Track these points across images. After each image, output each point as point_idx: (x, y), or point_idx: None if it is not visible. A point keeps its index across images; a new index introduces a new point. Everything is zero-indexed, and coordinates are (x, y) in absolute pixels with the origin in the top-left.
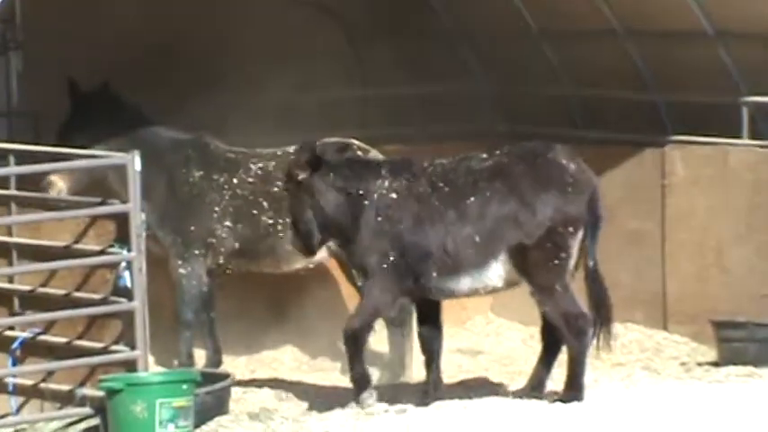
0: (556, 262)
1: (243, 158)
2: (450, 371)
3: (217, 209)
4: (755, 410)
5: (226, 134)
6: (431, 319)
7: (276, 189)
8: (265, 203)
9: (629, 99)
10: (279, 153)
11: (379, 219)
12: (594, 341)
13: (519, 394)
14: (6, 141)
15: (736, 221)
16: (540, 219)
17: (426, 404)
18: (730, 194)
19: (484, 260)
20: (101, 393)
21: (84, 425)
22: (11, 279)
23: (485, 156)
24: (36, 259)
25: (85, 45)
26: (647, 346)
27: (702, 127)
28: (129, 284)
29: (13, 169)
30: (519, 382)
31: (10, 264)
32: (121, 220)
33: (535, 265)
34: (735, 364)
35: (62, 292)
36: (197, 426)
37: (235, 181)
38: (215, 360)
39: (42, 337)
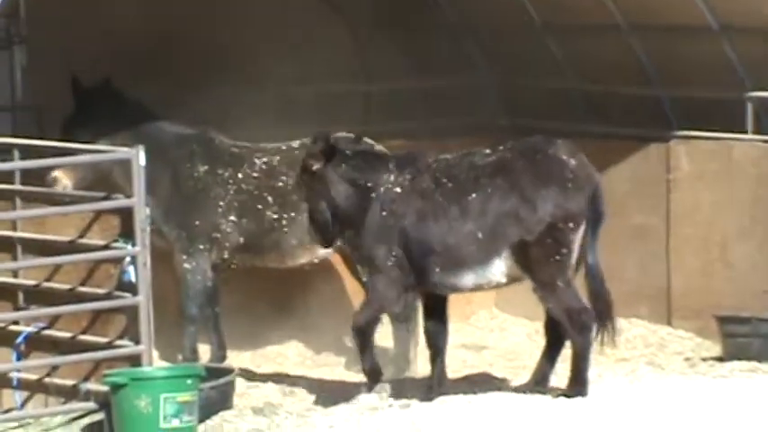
0: (557, 258)
1: (247, 153)
2: (455, 366)
3: (221, 203)
4: (760, 406)
5: (228, 128)
6: (437, 314)
7: (281, 184)
8: (270, 198)
9: (633, 94)
10: (283, 148)
11: (384, 213)
12: (597, 337)
13: (523, 389)
14: (10, 136)
15: (741, 216)
16: (541, 215)
17: (431, 399)
18: (735, 189)
19: (486, 256)
20: (105, 388)
21: (88, 420)
22: (15, 274)
23: (488, 151)
24: (40, 254)
25: (89, 39)
26: (651, 342)
27: (707, 122)
28: (133, 279)
29: (17, 164)
30: (523, 377)
31: (14, 258)
32: (126, 215)
33: (536, 261)
34: (739, 359)
35: (66, 286)
36: (201, 420)
37: (239, 176)
38: (219, 355)
39: (47, 332)
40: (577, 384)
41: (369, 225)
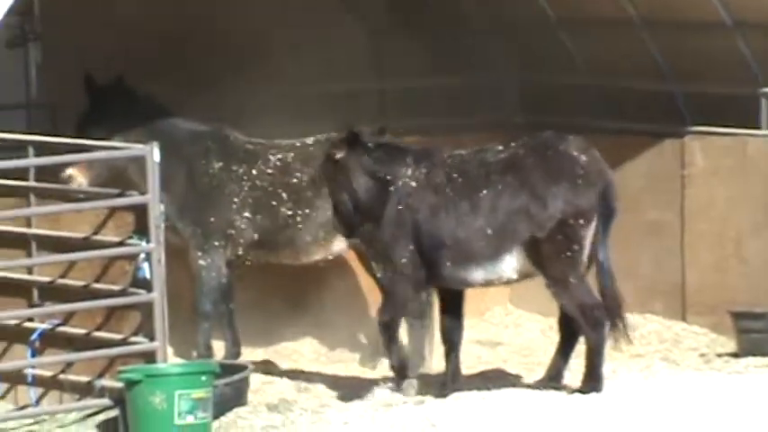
0: (568, 254)
1: (262, 150)
2: (469, 362)
3: (236, 200)
4: None
5: (242, 125)
6: (453, 310)
7: (295, 180)
8: (284, 195)
9: (648, 89)
10: (298, 144)
11: (400, 207)
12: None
13: (537, 385)
14: (25, 133)
15: (755, 212)
16: (551, 211)
17: (445, 395)
18: (749, 185)
19: (496, 252)
20: (120, 385)
21: (102, 416)
22: (30, 270)
23: (500, 147)
24: (55, 250)
25: (103, 36)
26: (665, 337)
27: (721, 118)
28: (147, 276)
29: (32, 161)
30: (538, 373)
31: (29, 255)
32: (140, 212)
33: (548, 257)
34: (754, 355)
35: (81, 283)
36: (216, 417)
37: (254, 172)
38: (234, 351)
39: (61, 329)
40: (592, 380)
41: (386, 219)
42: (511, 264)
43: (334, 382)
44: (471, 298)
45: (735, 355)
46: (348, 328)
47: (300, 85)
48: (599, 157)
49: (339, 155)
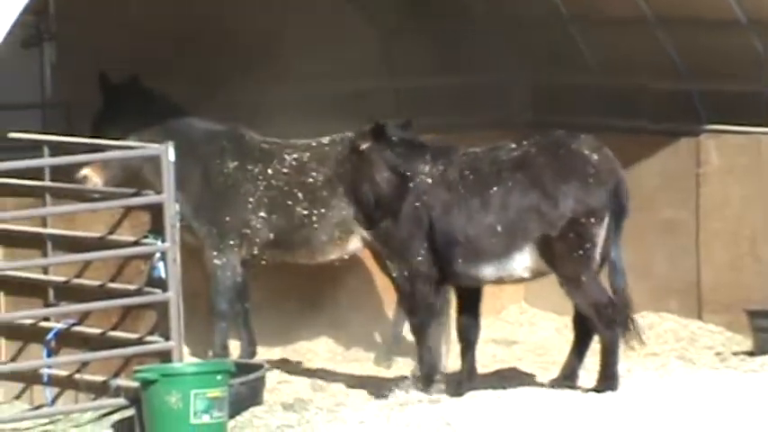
0: (580, 252)
1: (277, 149)
2: (485, 360)
3: (251, 200)
4: None
5: (257, 125)
6: (470, 309)
7: (311, 180)
8: (300, 194)
9: (662, 88)
10: (313, 144)
11: (417, 204)
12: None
13: (552, 384)
14: (40, 132)
15: None
16: (562, 210)
17: (460, 394)
18: (764, 183)
19: (507, 250)
20: (135, 384)
21: (118, 416)
22: (45, 270)
23: (513, 146)
24: (70, 250)
25: (118, 36)
26: (681, 336)
27: (735, 116)
28: (163, 275)
29: (47, 160)
30: (553, 371)
31: (45, 255)
32: (156, 211)
33: (560, 256)
34: None
35: (97, 282)
36: (231, 416)
37: (269, 172)
38: (249, 351)
39: (77, 328)
40: (607, 379)
41: (404, 215)
42: (523, 262)
43: (349, 381)
44: (486, 297)
45: (750, 354)
46: (363, 328)
47: (314, 85)
48: (611, 156)
49: (364, 146)
